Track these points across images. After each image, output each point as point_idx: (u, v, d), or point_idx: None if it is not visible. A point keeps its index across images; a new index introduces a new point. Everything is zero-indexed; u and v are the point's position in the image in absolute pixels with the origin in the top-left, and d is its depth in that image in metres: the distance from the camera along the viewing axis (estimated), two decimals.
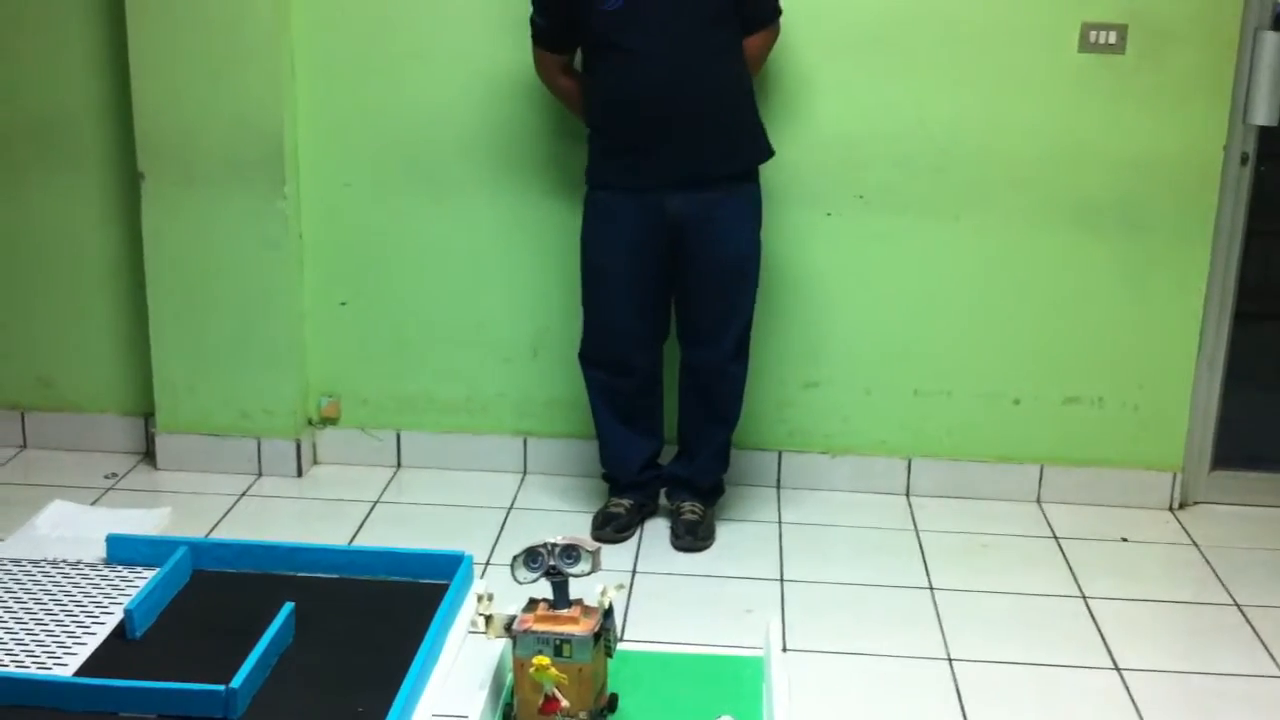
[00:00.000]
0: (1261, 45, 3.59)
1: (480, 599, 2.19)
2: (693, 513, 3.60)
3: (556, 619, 2.18)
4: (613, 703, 2.19)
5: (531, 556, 2.19)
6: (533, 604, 2.23)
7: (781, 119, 3.66)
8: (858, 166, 3.72)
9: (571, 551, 2.16)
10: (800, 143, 3.70)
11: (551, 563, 2.20)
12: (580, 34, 3.36)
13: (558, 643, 2.15)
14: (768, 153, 3.47)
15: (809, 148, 3.71)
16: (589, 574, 2.18)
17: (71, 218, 3.94)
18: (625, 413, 3.60)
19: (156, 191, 3.76)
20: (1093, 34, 3.60)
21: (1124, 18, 3.58)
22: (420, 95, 3.77)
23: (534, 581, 2.19)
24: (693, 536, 3.54)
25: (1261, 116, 3.64)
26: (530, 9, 3.39)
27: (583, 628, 2.18)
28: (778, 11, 3.45)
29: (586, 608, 2.21)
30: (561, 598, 2.19)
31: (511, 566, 2.19)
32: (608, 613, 2.19)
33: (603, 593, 2.19)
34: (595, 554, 2.15)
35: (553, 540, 2.18)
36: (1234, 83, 3.62)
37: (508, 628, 2.21)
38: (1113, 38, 3.60)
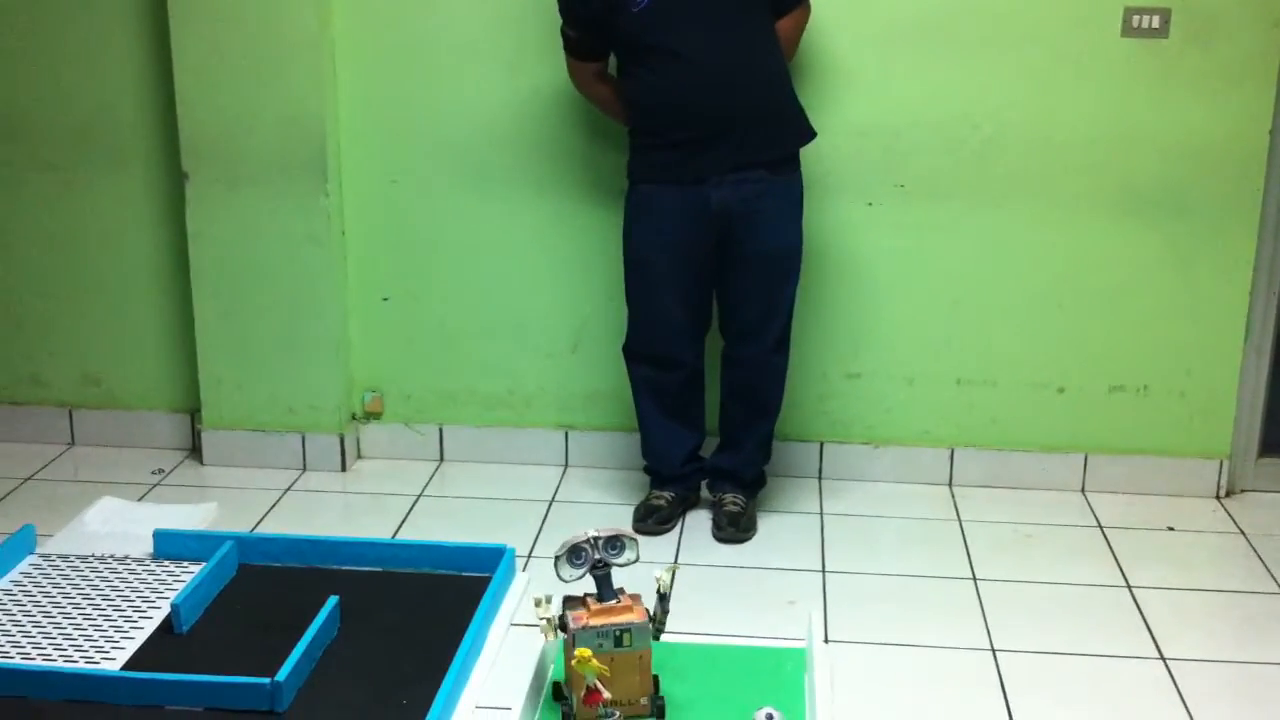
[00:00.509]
0: None
1: (539, 602, 2.19)
2: (735, 504, 3.60)
3: (610, 610, 2.19)
4: (657, 684, 2.21)
5: (575, 554, 2.20)
6: (576, 600, 2.23)
7: (822, 108, 3.65)
8: (899, 155, 3.71)
9: (615, 542, 2.17)
10: (841, 132, 3.69)
11: (596, 556, 2.21)
12: (611, 39, 3.35)
13: (618, 633, 2.17)
14: (810, 134, 3.46)
15: (849, 137, 3.70)
16: (634, 562, 2.19)
17: (117, 218, 3.99)
18: (669, 407, 3.60)
19: (200, 191, 3.79)
20: (1135, 19, 3.56)
21: (1167, 2, 3.54)
22: (461, 92, 3.78)
23: (580, 579, 2.20)
24: (735, 528, 3.54)
25: None
26: (560, 21, 3.39)
27: (638, 615, 2.20)
28: None
29: (631, 595, 2.23)
30: (607, 589, 2.20)
31: (555, 565, 2.20)
32: (664, 596, 2.22)
33: (661, 576, 2.20)
34: (637, 542, 2.16)
35: (594, 533, 2.18)
36: None
37: (562, 627, 2.21)
38: (1156, 22, 3.56)
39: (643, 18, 3.22)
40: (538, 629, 2.13)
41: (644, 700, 2.15)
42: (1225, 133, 3.62)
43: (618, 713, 2.25)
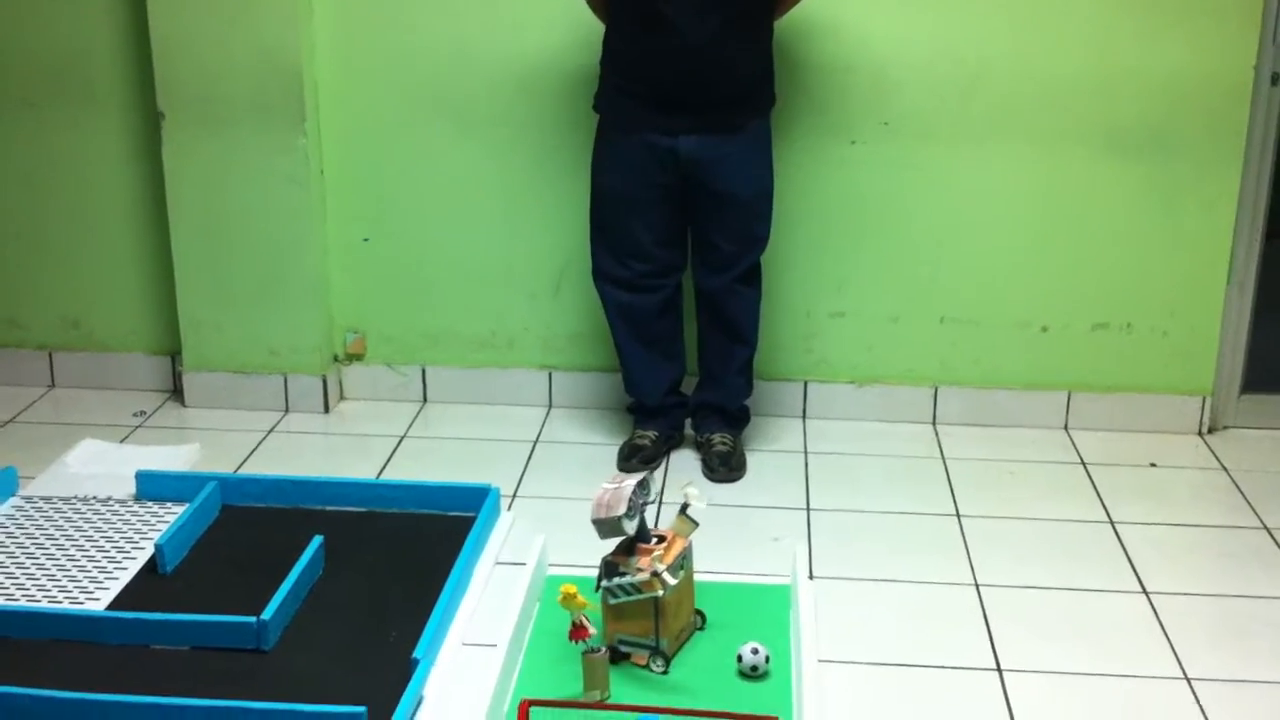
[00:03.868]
0: None
1: (607, 582, 2.32)
2: (723, 443, 3.60)
3: (667, 545, 2.33)
4: None
5: (629, 510, 2.31)
6: (625, 551, 2.33)
7: (806, 45, 3.62)
8: (882, 93, 3.68)
9: (643, 486, 2.29)
10: (825, 69, 3.66)
11: (631, 530, 2.31)
12: None
13: (680, 559, 2.35)
14: (772, 100, 3.47)
15: (834, 74, 3.67)
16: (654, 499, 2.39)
17: (94, 158, 3.95)
18: (644, 335, 3.60)
19: (177, 131, 3.75)
20: None
21: None
22: (440, 29, 3.74)
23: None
24: (726, 468, 3.55)
25: None
26: None
27: (684, 539, 2.35)
28: None
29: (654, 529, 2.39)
30: (645, 531, 2.31)
31: (608, 528, 2.29)
32: (685, 507, 2.38)
33: (689, 490, 2.34)
34: (649, 476, 2.30)
35: (628, 483, 2.27)
36: (1264, 2, 3.56)
37: (608, 574, 2.35)
38: None
39: None
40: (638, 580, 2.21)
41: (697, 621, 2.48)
42: (1209, 70, 3.60)
43: (603, 647, 2.32)
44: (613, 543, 2.39)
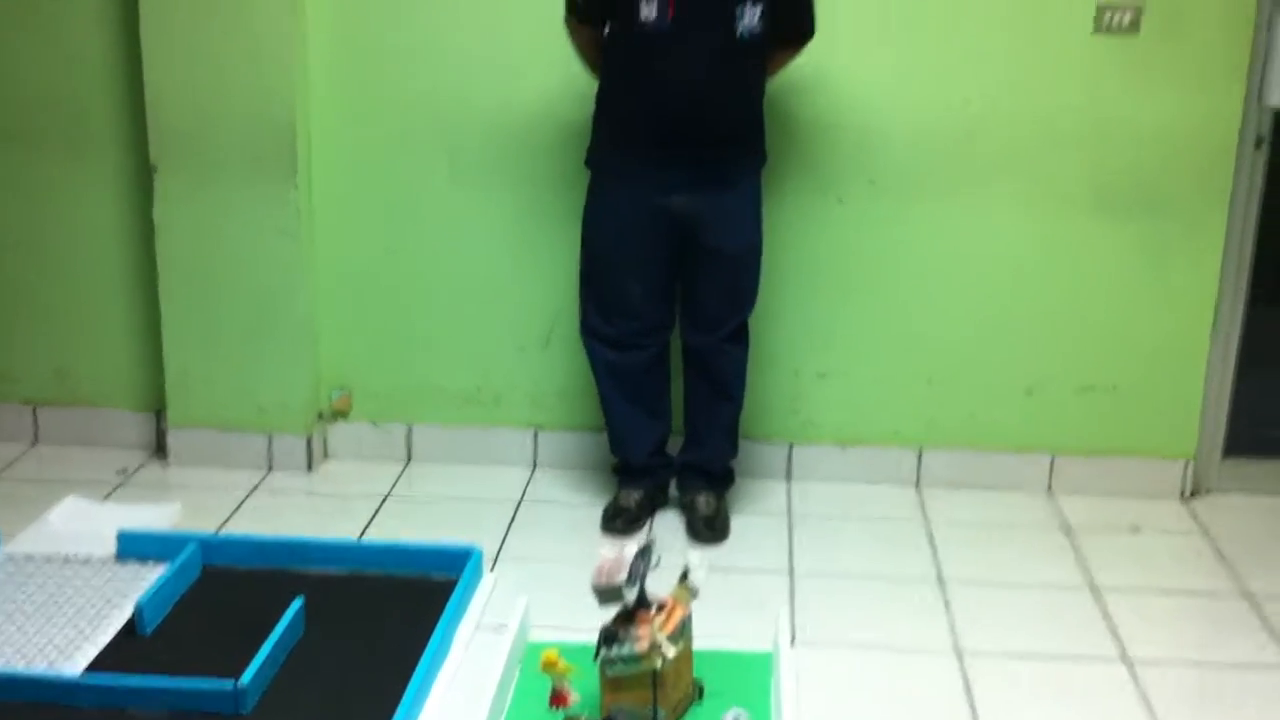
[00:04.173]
0: (1277, 26, 3.55)
1: (605, 653, 2.30)
2: (708, 505, 3.60)
3: (668, 611, 2.31)
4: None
5: (630, 578, 2.29)
6: (624, 619, 2.31)
7: (793, 103, 3.65)
8: (869, 151, 3.71)
9: (645, 553, 2.26)
10: (812, 127, 3.69)
11: (631, 598, 2.29)
12: (614, 25, 3.33)
13: (681, 628, 2.32)
14: (763, 159, 3.50)
15: (820, 132, 3.70)
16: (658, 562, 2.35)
17: (84, 210, 3.95)
18: (631, 392, 3.60)
19: (169, 184, 3.76)
20: (1107, 15, 3.57)
21: None
22: (432, 82, 3.76)
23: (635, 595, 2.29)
24: (711, 530, 3.54)
25: (1277, 98, 3.60)
26: None
27: (683, 606, 2.31)
28: (812, 33, 3.43)
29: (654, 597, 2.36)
30: (646, 598, 2.29)
31: (607, 596, 2.28)
32: (685, 574, 2.36)
33: (691, 558, 2.32)
34: (653, 541, 2.28)
35: (629, 550, 2.26)
36: (1249, 65, 3.60)
37: (607, 642, 2.32)
38: (1127, 19, 3.57)
39: (651, 34, 3.22)
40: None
41: (699, 687, 2.44)
42: (1195, 131, 3.63)
43: (584, 715, 2.30)
44: (612, 610, 2.38)
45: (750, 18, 3.23)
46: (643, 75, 3.28)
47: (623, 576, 2.23)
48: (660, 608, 2.36)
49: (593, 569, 2.32)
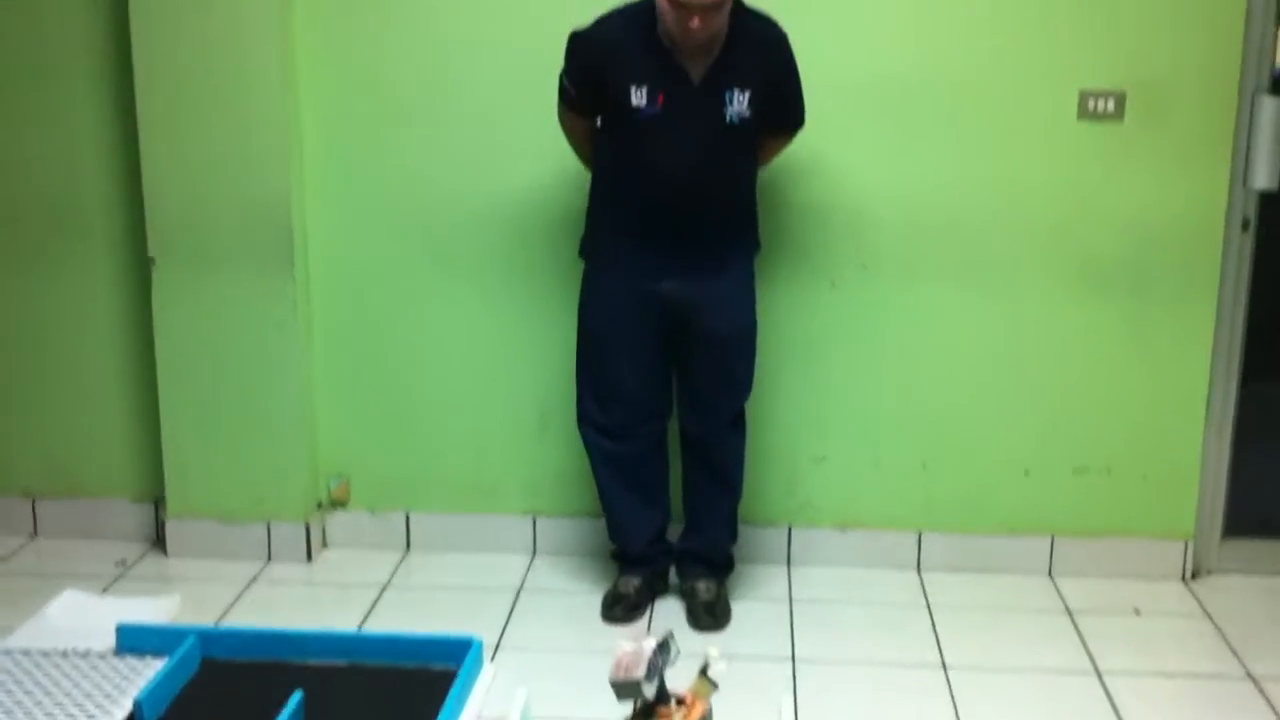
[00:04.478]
0: (1260, 110, 3.61)
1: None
2: (708, 592, 3.59)
3: (688, 707, 2.26)
4: None
5: (649, 672, 2.25)
6: (642, 715, 2.26)
7: (785, 188, 3.70)
8: (861, 236, 3.75)
9: (664, 647, 2.23)
10: (804, 213, 3.73)
11: (650, 694, 2.26)
12: (607, 114, 3.38)
13: None
14: (756, 246, 3.53)
15: (813, 217, 3.74)
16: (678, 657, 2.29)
17: (82, 302, 3.97)
18: (629, 480, 3.60)
19: (167, 276, 3.79)
20: (1091, 102, 3.63)
21: (1121, 85, 3.61)
22: (429, 174, 3.80)
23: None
24: (711, 617, 3.53)
25: (1261, 181, 3.65)
26: (562, 67, 3.36)
27: (703, 701, 2.27)
28: (802, 123, 3.48)
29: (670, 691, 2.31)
30: (665, 693, 2.25)
31: (625, 691, 2.24)
32: (704, 669, 2.31)
33: (711, 652, 2.27)
34: (672, 635, 2.24)
35: (648, 645, 2.23)
36: (1233, 148, 3.65)
37: None
38: (1111, 105, 3.63)
39: (642, 121, 3.27)
40: None
41: None
42: (1181, 213, 3.67)
43: None
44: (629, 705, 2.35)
45: (739, 104, 3.28)
46: (634, 162, 3.32)
47: (641, 671, 2.19)
48: (680, 702, 2.32)
49: (610, 663, 2.30)
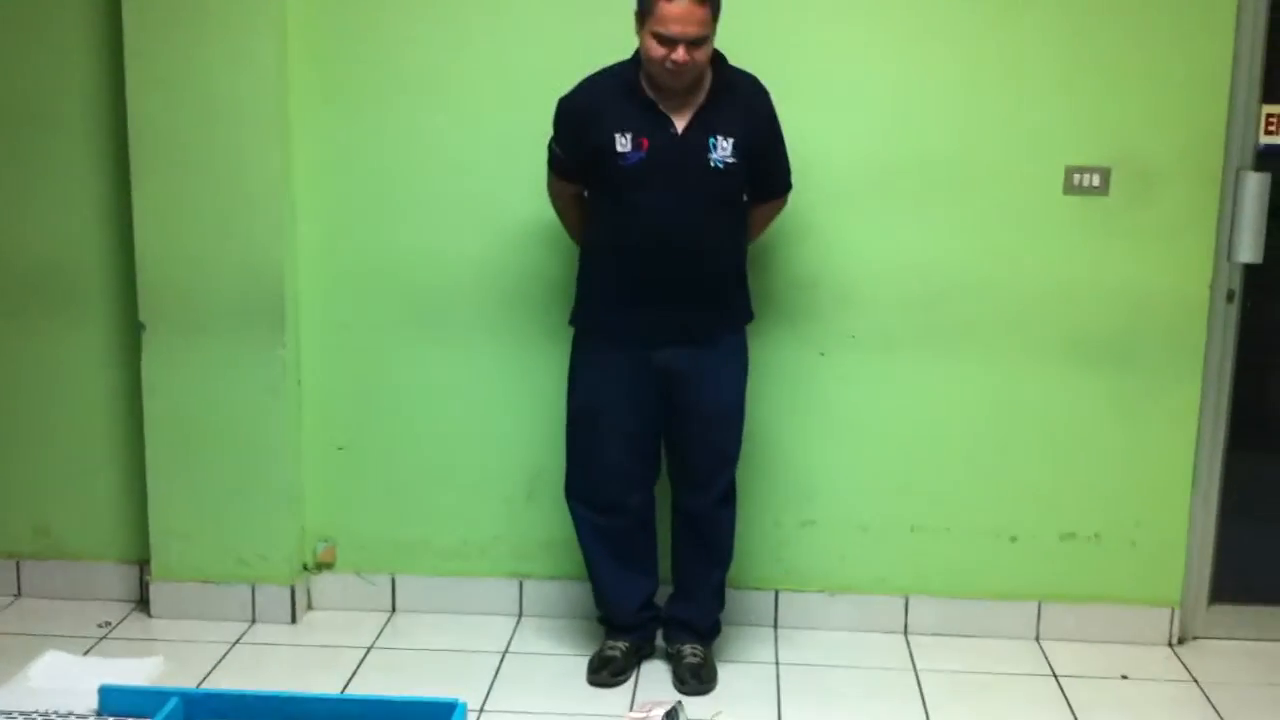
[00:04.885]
0: (1244, 185, 3.65)
1: None
2: (694, 655, 3.57)
3: None
4: None
5: None
6: None
7: (775, 259, 3.73)
8: (849, 306, 3.77)
9: (672, 714, 2.22)
10: (794, 283, 3.76)
11: None
12: (593, 176, 3.41)
13: None
14: (749, 316, 3.55)
15: (802, 288, 3.76)
16: None
17: (70, 366, 3.97)
18: (618, 551, 3.59)
19: (157, 341, 3.80)
20: (1076, 176, 3.67)
21: (1106, 160, 3.66)
22: (420, 242, 3.82)
23: None
24: (698, 680, 3.51)
25: (1246, 254, 3.68)
26: (550, 134, 3.42)
27: None
28: (789, 186, 3.52)
29: None
30: None
31: None
32: None
33: None
34: (681, 703, 2.23)
35: (659, 713, 2.22)
36: (1218, 222, 3.68)
37: None
38: (1096, 180, 3.67)
39: (630, 173, 3.29)
40: None
41: None
42: (1167, 286, 3.71)
43: None
44: None
45: (723, 150, 3.30)
46: (622, 214, 3.33)
47: None
48: None
49: None
